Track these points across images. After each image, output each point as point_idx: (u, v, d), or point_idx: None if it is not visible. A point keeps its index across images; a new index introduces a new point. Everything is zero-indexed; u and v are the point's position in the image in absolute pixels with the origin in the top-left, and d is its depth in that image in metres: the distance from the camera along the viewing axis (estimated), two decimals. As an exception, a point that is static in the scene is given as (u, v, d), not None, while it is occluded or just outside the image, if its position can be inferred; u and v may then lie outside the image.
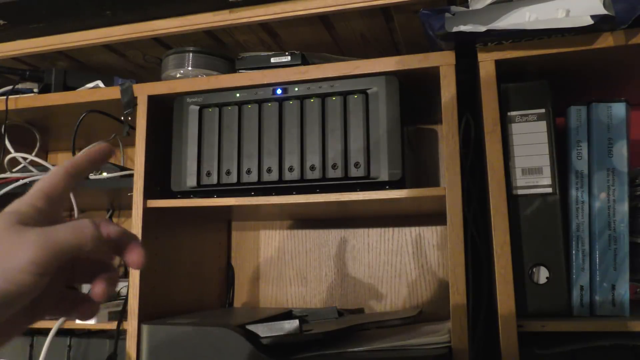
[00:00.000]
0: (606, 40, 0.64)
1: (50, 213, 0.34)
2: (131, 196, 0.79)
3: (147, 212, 0.79)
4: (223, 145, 0.77)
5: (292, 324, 0.66)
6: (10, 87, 0.91)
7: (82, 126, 0.87)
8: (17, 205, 0.33)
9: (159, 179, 0.83)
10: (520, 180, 0.67)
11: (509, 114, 0.68)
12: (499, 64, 0.68)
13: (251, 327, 0.65)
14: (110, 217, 1.11)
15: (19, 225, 0.31)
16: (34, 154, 0.95)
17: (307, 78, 0.75)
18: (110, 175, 0.84)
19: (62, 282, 0.37)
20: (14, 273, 0.29)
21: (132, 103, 0.82)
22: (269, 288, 1.05)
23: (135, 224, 0.79)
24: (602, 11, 0.61)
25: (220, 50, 0.88)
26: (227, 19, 0.80)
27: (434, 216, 0.97)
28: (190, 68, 0.84)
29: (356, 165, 0.71)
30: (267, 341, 0.64)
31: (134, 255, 0.36)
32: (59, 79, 0.92)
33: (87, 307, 0.37)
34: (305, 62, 0.79)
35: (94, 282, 0.36)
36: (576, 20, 0.61)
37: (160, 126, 0.84)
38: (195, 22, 0.81)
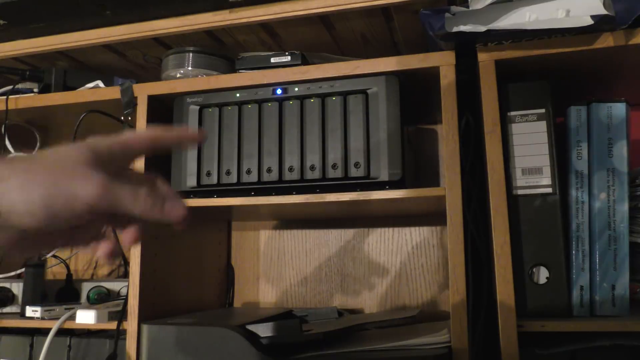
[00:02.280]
0: (606, 40, 0.64)
1: (121, 163, 0.38)
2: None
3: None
4: (223, 145, 0.77)
5: (292, 324, 0.66)
6: (10, 87, 0.91)
7: (82, 126, 0.87)
8: (98, 144, 0.36)
9: (159, 179, 0.83)
10: (520, 180, 0.67)
11: (509, 114, 0.68)
12: (499, 64, 0.68)
13: (251, 327, 0.65)
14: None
15: (93, 162, 0.35)
16: (34, 154, 0.95)
17: (307, 78, 0.75)
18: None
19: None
20: (74, 199, 0.33)
21: (132, 103, 0.82)
22: (269, 288, 1.05)
23: (135, 224, 0.78)
24: (602, 11, 0.61)
25: (220, 50, 0.88)
26: (227, 19, 0.80)
27: (434, 216, 0.97)
28: (190, 68, 0.84)
29: (356, 165, 0.71)
30: (267, 341, 0.64)
31: (129, 237, 0.39)
32: (59, 79, 0.92)
33: (108, 245, 0.39)
34: (305, 62, 0.79)
35: (126, 229, 0.39)
36: (576, 20, 0.61)
37: (160, 126, 0.83)
38: (195, 22, 0.81)
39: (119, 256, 0.41)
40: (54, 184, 0.33)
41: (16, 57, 0.94)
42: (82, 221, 0.35)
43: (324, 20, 0.81)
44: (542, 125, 0.67)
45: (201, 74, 0.84)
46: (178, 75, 0.85)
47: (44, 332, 0.81)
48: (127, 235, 0.39)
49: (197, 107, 0.79)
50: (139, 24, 0.84)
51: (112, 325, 0.78)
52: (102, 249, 0.39)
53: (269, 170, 0.74)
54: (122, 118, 0.84)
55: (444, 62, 0.71)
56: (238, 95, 0.77)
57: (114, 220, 0.39)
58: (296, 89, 0.75)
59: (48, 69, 0.92)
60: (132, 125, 0.84)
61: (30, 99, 0.89)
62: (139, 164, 0.80)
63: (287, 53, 0.80)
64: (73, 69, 0.97)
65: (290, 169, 0.73)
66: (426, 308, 0.96)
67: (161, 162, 0.83)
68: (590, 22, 0.60)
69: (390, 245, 1.00)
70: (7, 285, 0.92)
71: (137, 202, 0.36)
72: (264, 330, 0.65)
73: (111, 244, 0.39)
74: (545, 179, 0.66)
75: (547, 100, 0.67)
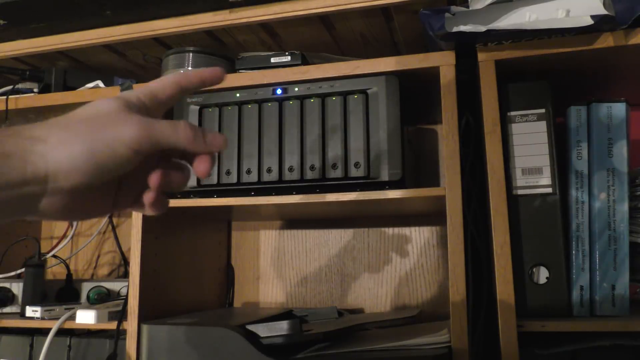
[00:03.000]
0: (606, 40, 0.64)
1: (151, 111, 0.38)
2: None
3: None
4: (223, 145, 0.77)
5: (292, 324, 0.65)
6: (10, 87, 0.91)
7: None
8: (127, 94, 0.37)
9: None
10: (520, 180, 0.67)
11: (509, 114, 0.68)
12: (499, 64, 0.68)
13: (251, 327, 0.65)
14: (110, 217, 1.10)
15: (127, 109, 0.35)
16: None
17: (307, 78, 0.75)
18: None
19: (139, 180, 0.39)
20: (117, 144, 0.33)
21: (132, 103, 0.82)
22: (269, 288, 1.05)
23: (135, 224, 0.79)
24: (602, 11, 0.61)
25: (220, 50, 0.88)
26: (227, 19, 0.80)
27: (434, 216, 0.97)
28: (190, 68, 0.84)
29: (356, 165, 0.71)
30: (267, 341, 0.64)
31: (202, 165, 0.38)
32: (59, 79, 0.92)
33: (159, 200, 0.39)
34: (305, 62, 0.79)
35: (197, 159, 0.38)
36: (576, 20, 0.61)
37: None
38: (195, 22, 0.81)
39: (166, 206, 0.40)
40: (94, 134, 0.33)
41: (16, 57, 0.94)
42: (130, 167, 0.34)
43: (324, 20, 0.81)
44: (542, 125, 0.67)
45: (201, 74, 0.84)
46: (178, 75, 0.85)
47: (44, 332, 0.81)
48: (199, 165, 0.38)
49: (197, 107, 0.79)
50: (139, 24, 0.84)
51: (112, 325, 0.78)
52: (148, 199, 0.38)
53: (269, 170, 0.74)
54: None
55: (444, 62, 0.71)
56: (238, 95, 0.77)
57: (161, 164, 0.39)
58: (296, 89, 0.75)
59: (48, 69, 0.92)
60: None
61: (30, 99, 0.89)
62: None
63: (287, 53, 0.80)
64: (73, 69, 0.97)
65: (290, 169, 0.73)
66: (426, 308, 0.96)
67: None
68: (590, 22, 0.60)
69: (390, 245, 1.00)
70: (7, 285, 0.92)
71: (179, 134, 0.36)
72: (264, 330, 0.65)
73: (154, 193, 0.38)
74: (545, 179, 0.66)
75: (547, 100, 0.67)
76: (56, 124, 0.34)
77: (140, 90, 0.38)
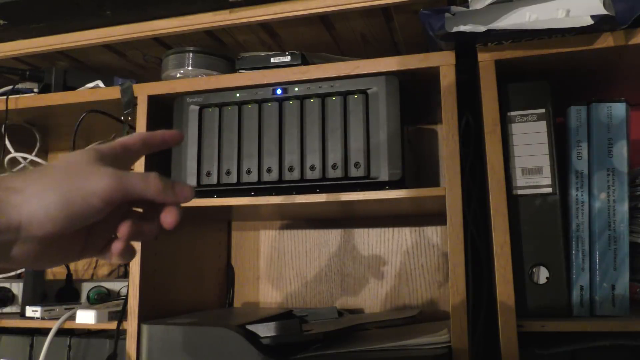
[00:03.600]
0: (606, 40, 0.64)
1: (122, 163, 0.40)
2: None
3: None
4: (223, 145, 0.77)
5: (292, 324, 0.66)
6: (10, 87, 0.91)
7: (82, 126, 0.87)
8: (99, 147, 0.39)
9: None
10: (520, 180, 0.67)
11: (509, 114, 0.68)
12: (499, 64, 0.68)
13: (251, 327, 0.65)
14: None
15: (99, 160, 0.37)
16: (34, 154, 0.95)
17: (307, 78, 0.75)
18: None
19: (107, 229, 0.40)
20: (90, 195, 0.35)
21: (132, 103, 0.82)
22: (269, 288, 1.05)
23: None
24: (602, 11, 0.61)
25: (220, 50, 0.88)
26: (227, 19, 0.80)
27: (434, 216, 0.97)
28: (190, 68, 0.84)
29: (356, 165, 0.71)
30: (267, 341, 0.64)
31: (169, 216, 0.40)
32: (59, 79, 0.92)
33: (126, 249, 0.40)
34: (305, 62, 0.79)
35: (165, 210, 0.40)
36: (576, 20, 0.61)
37: (160, 126, 0.83)
38: (195, 22, 0.81)
39: (133, 255, 0.41)
40: (68, 185, 0.35)
41: (16, 57, 0.94)
42: (100, 217, 0.36)
43: (324, 20, 0.81)
44: (542, 125, 0.67)
45: (201, 74, 0.84)
46: (178, 75, 0.85)
47: (44, 332, 0.81)
48: (166, 216, 0.39)
49: (197, 107, 0.79)
50: (139, 24, 0.84)
51: (112, 325, 0.78)
52: (116, 248, 0.39)
53: (269, 170, 0.74)
54: (122, 118, 0.84)
55: (444, 62, 0.71)
56: (238, 95, 0.77)
57: (131, 215, 0.40)
58: (296, 89, 0.75)
59: (48, 69, 0.92)
60: (132, 125, 0.84)
61: (30, 99, 0.89)
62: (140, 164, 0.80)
63: (287, 53, 0.79)
64: (73, 69, 0.97)
65: (290, 169, 0.73)
66: (426, 308, 0.96)
67: (161, 162, 0.83)
68: (590, 22, 0.60)
69: (390, 245, 1.00)
70: (7, 285, 0.92)
71: (149, 185, 0.37)
72: (264, 330, 0.65)
73: (122, 243, 0.39)
74: (545, 179, 0.66)
75: (547, 100, 0.67)
76: (32, 174, 0.35)
77: (113, 144, 0.40)
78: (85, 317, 0.77)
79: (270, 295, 1.05)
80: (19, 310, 0.91)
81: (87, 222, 0.36)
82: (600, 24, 0.61)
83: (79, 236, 0.38)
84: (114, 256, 0.40)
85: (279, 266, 1.05)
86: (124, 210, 0.40)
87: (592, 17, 0.60)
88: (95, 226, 0.38)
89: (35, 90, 0.93)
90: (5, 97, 0.89)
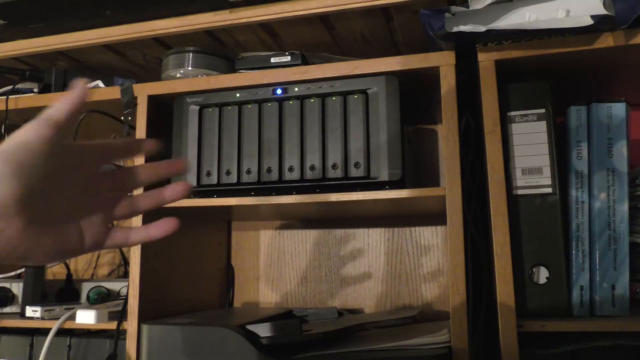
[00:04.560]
0: (606, 40, 0.64)
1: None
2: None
3: (147, 212, 0.79)
4: (223, 145, 0.77)
5: (292, 324, 0.66)
6: (10, 87, 0.91)
7: (82, 126, 0.87)
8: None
9: (159, 179, 0.83)
10: (520, 180, 0.67)
11: (509, 114, 0.68)
12: (499, 64, 0.68)
13: (251, 327, 0.65)
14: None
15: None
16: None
17: (307, 78, 0.75)
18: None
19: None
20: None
21: (132, 103, 0.82)
22: (269, 288, 1.05)
23: (135, 224, 0.79)
24: (602, 11, 0.61)
25: (220, 50, 0.88)
26: (227, 19, 0.80)
27: (434, 216, 0.97)
28: (190, 68, 0.84)
29: (356, 165, 0.71)
30: (267, 341, 0.64)
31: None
32: (59, 79, 0.92)
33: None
34: (305, 62, 0.79)
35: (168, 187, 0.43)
36: (576, 20, 0.61)
37: (160, 126, 0.84)
38: (195, 22, 0.81)
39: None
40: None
41: (16, 57, 0.94)
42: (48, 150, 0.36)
43: (324, 20, 0.81)
44: (542, 125, 0.67)
45: (201, 74, 0.84)
46: (178, 75, 0.85)
47: (44, 332, 0.81)
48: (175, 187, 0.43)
49: (197, 107, 0.79)
50: (139, 24, 0.84)
51: (112, 325, 0.78)
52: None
53: (269, 170, 0.74)
54: (122, 118, 0.84)
55: (444, 62, 0.71)
56: (238, 95, 0.77)
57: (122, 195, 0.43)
58: (296, 89, 0.75)
59: (48, 69, 0.92)
60: (132, 125, 0.84)
61: (30, 99, 0.89)
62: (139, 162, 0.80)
63: (287, 53, 0.80)
64: (73, 69, 0.97)
65: (290, 169, 0.73)
66: (426, 308, 0.96)
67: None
68: (590, 22, 0.60)
69: (390, 245, 1.00)
70: (7, 285, 0.92)
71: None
72: (264, 330, 0.65)
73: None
74: (545, 179, 0.66)
75: (547, 100, 0.67)
76: None
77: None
78: (85, 317, 0.77)
79: (270, 295, 1.05)
80: (19, 310, 0.91)
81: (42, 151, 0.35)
82: (600, 24, 0.61)
83: (72, 220, 0.39)
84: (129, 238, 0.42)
85: (279, 266, 1.05)
86: (113, 192, 0.42)
87: (592, 17, 0.60)
88: (87, 208, 0.40)
89: (35, 90, 0.93)
90: (5, 97, 0.89)
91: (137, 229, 0.42)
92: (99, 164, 0.41)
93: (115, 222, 0.41)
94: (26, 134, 0.36)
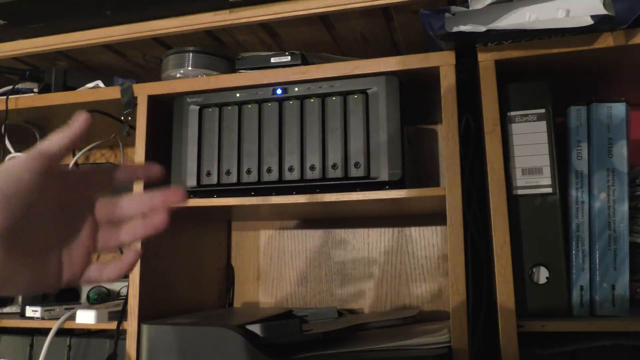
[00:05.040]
0: (606, 40, 0.64)
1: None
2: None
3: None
4: (223, 145, 0.77)
5: (292, 324, 0.66)
6: (10, 87, 0.91)
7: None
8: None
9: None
10: (520, 180, 0.67)
11: (509, 114, 0.68)
12: (499, 64, 0.68)
13: (251, 327, 0.65)
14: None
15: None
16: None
17: (307, 78, 0.75)
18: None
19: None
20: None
21: (132, 103, 0.82)
22: (269, 288, 1.05)
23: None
24: (602, 11, 0.61)
25: (220, 50, 0.88)
26: (227, 19, 0.80)
27: (434, 216, 0.97)
28: (190, 68, 0.84)
29: (356, 165, 0.71)
30: (267, 341, 0.64)
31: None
32: (59, 79, 0.92)
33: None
34: (305, 62, 0.79)
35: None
36: (576, 20, 0.61)
37: (160, 126, 0.84)
38: (195, 22, 0.81)
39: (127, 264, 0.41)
40: None
41: (16, 57, 0.95)
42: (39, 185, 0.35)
43: (324, 20, 0.81)
44: (542, 125, 0.67)
45: (201, 74, 0.84)
46: (178, 75, 0.85)
47: (44, 332, 0.81)
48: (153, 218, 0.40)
49: (197, 107, 0.79)
50: (139, 24, 0.84)
51: (112, 325, 0.78)
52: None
53: (269, 170, 0.74)
54: (122, 118, 0.84)
55: (444, 62, 0.71)
56: (238, 95, 0.77)
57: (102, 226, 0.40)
58: (296, 89, 0.75)
59: (48, 69, 0.92)
60: (132, 125, 0.84)
61: (30, 99, 0.89)
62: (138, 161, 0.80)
63: (287, 53, 0.80)
64: (73, 69, 0.97)
65: (290, 169, 0.73)
66: (426, 308, 0.96)
67: (161, 162, 0.83)
68: (590, 22, 0.60)
69: (390, 245, 1.00)
70: (7, 285, 0.92)
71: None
72: (264, 330, 0.65)
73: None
74: (545, 179, 0.66)
75: (547, 100, 0.67)
76: None
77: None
78: (85, 317, 0.77)
79: (270, 295, 1.05)
80: (19, 310, 0.91)
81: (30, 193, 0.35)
82: (600, 24, 0.61)
83: (52, 251, 0.37)
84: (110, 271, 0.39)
85: (279, 266, 1.05)
86: (95, 222, 0.40)
87: (592, 17, 0.60)
88: (68, 240, 0.38)
89: (35, 90, 0.93)
90: (5, 97, 0.89)
91: (111, 265, 0.40)
92: (88, 192, 0.40)
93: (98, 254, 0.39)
94: (18, 165, 0.35)
